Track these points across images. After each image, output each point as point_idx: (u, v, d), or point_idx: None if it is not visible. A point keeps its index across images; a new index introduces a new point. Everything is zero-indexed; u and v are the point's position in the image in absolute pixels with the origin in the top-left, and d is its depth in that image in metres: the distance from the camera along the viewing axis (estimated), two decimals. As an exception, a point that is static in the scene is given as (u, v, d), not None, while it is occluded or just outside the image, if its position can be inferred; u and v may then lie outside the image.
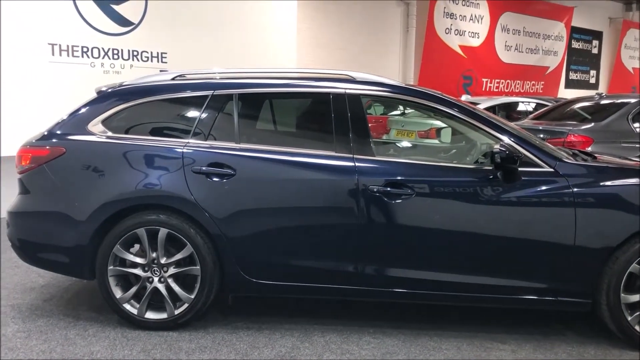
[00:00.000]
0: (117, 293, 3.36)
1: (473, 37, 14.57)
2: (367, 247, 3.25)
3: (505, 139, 3.22)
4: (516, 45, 15.87)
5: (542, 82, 16.96)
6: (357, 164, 3.23)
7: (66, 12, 7.09)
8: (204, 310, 3.37)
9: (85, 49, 7.31)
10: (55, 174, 3.37)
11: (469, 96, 9.94)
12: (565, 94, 16.69)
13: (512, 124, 3.88)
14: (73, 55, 7.20)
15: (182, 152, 3.30)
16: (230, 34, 8.63)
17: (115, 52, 7.58)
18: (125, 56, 7.66)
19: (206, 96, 3.43)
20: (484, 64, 14.98)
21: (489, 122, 3.33)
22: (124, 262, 3.36)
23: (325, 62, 10.93)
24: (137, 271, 3.34)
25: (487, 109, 8.97)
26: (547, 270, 3.19)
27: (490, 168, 3.18)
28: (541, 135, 6.88)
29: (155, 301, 3.37)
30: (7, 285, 4.07)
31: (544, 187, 3.15)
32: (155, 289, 3.33)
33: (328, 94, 3.39)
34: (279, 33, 9.33)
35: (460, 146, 4.42)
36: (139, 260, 3.34)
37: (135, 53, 7.74)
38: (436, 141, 5.20)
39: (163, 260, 3.32)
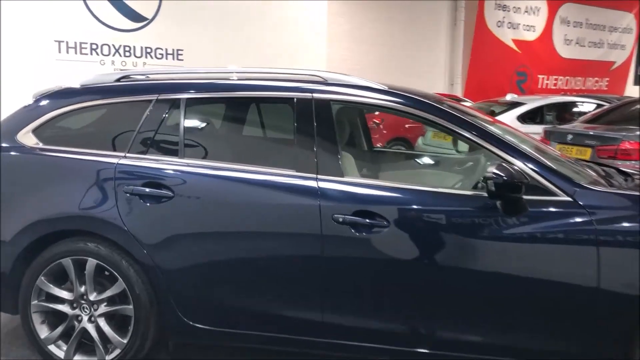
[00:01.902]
0: (42, 332, 2.87)
1: (528, 30, 13.50)
2: (331, 289, 2.63)
3: (509, 158, 2.51)
4: (577, 38, 14.64)
5: (607, 79, 15.63)
6: (320, 186, 2.59)
7: (74, 7, 6.77)
8: (141, 356, 2.83)
9: (94, 46, 6.99)
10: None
11: (514, 95, 9.03)
12: (634, 91, 15.27)
13: (525, 136, 3.14)
14: (81, 53, 6.88)
15: (115, 168, 2.77)
16: (254, 30, 8.13)
17: (127, 49, 7.22)
18: (138, 53, 7.29)
19: (149, 101, 2.88)
20: (540, 60, 13.88)
21: (488, 136, 2.61)
22: (51, 297, 2.86)
23: (360, 59, 10.29)
24: (64, 308, 2.84)
25: (533, 110, 8.09)
26: (560, 327, 2.47)
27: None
28: (592, 142, 6.02)
29: (89, 342, 2.86)
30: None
31: (557, 222, 2.42)
32: (85, 330, 2.82)
33: (291, 99, 2.77)
34: (308, 30, 8.75)
35: (476, 159, 3.70)
36: (65, 295, 2.84)
37: (148, 50, 7.36)
38: (452, 151, 4.42)
39: (92, 297, 2.81)
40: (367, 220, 2.52)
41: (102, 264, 2.76)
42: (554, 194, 2.46)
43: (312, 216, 2.56)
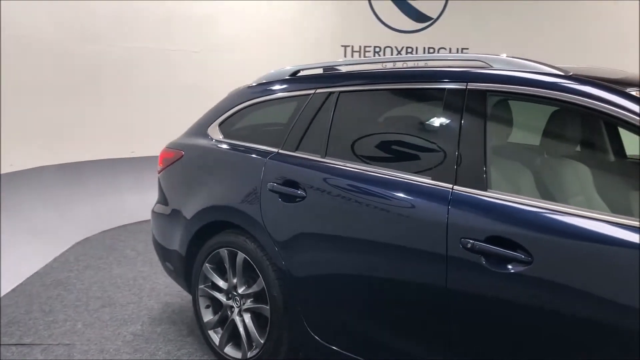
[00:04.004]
0: (206, 316, 3.01)
1: None
2: (455, 330, 2.06)
3: None
4: None
5: None
6: (453, 199, 2.05)
7: (360, 11, 7.04)
8: (277, 361, 2.71)
9: (377, 49, 7.14)
10: (174, 177, 3.24)
11: None
12: None
13: None
14: (365, 56, 7.10)
15: (265, 164, 2.71)
16: (553, 25, 7.16)
17: (409, 50, 7.16)
18: (421, 54, 7.15)
19: (308, 95, 2.74)
20: None
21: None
22: (213, 284, 2.97)
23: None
24: (221, 297, 2.92)
25: None
26: None
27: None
28: None
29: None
30: (162, 283, 4.14)
31: None
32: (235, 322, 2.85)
33: (441, 90, 2.27)
34: (617, 23, 7.26)
35: None
36: (222, 284, 2.91)
37: (431, 50, 7.17)
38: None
39: (241, 290, 2.81)
40: (506, 251, 1.89)
41: (248, 259, 2.73)
42: None
43: (438, 237, 2.04)
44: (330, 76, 2.76)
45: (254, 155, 2.80)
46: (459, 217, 2.02)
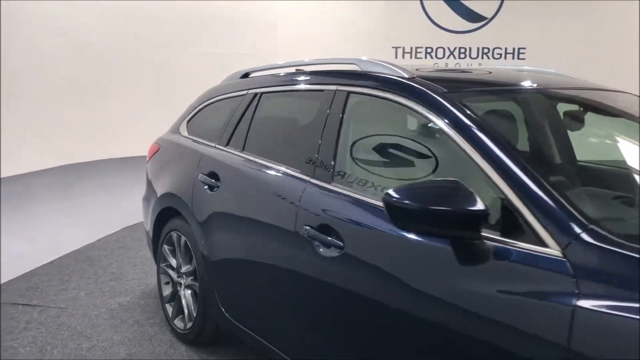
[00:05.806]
0: (165, 291, 3.40)
1: None
2: (298, 310, 2.27)
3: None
4: None
5: None
6: (305, 191, 2.25)
7: (411, 12, 7.09)
8: (207, 335, 3.02)
9: (429, 50, 7.15)
10: (152, 168, 3.66)
11: None
12: None
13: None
14: (416, 57, 7.15)
15: (201, 156, 3.04)
16: (609, 25, 6.74)
17: (462, 50, 7.11)
18: (474, 54, 7.09)
19: (242, 96, 3.03)
20: None
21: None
22: (169, 263, 3.36)
23: None
24: (173, 274, 3.29)
25: None
26: None
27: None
28: None
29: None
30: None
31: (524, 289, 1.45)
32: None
33: (320, 91, 2.47)
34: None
35: None
36: (173, 263, 3.28)
37: (485, 50, 7.06)
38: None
39: (184, 269, 3.17)
40: (329, 238, 2.06)
41: (187, 241, 3.08)
42: (539, 243, 1.47)
43: (291, 225, 2.25)
44: (258, 79, 3.03)
45: (196, 150, 3.14)
46: (304, 206, 2.21)
